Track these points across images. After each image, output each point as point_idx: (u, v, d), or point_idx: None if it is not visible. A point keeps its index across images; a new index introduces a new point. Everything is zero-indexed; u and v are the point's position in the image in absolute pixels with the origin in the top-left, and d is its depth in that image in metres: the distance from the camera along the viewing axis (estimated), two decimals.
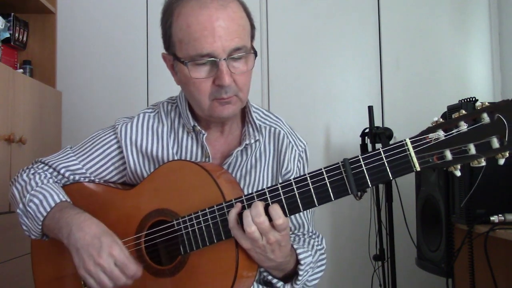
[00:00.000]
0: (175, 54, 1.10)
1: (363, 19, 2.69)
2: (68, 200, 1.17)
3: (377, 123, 2.39)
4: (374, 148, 2.26)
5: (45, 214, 1.12)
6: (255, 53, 1.11)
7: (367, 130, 2.29)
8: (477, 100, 1.71)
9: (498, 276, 1.64)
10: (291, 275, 1.10)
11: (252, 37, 1.14)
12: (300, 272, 1.08)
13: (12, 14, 2.29)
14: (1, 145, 1.83)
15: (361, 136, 2.30)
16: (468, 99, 1.72)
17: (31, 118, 2.09)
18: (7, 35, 2.23)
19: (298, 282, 1.09)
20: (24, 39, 2.41)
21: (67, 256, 1.18)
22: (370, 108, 2.29)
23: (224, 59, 1.04)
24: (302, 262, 1.08)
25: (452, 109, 1.81)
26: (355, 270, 2.58)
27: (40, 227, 1.14)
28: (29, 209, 1.13)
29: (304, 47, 2.68)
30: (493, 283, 1.64)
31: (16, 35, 2.33)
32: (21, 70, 2.28)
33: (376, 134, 2.23)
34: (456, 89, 2.63)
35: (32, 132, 2.08)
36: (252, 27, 1.13)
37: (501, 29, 2.69)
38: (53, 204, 1.13)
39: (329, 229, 2.62)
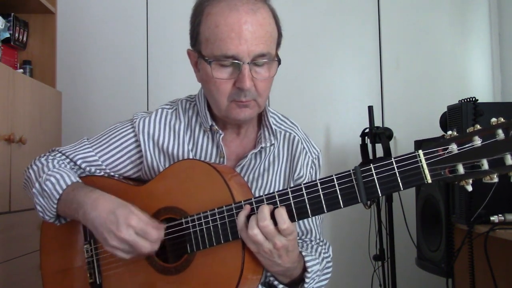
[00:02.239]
0: (200, 52, 1.11)
1: (363, 19, 2.69)
2: (81, 182, 1.18)
3: (377, 123, 2.39)
4: (374, 148, 2.27)
5: (61, 192, 1.13)
6: (279, 61, 1.12)
7: (367, 130, 2.28)
8: (477, 100, 1.71)
9: (498, 276, 1.64)
10: (297, 282, 1.10)
11: (278, 44, 1.14)
12: (307, 280, 1.08)
13: (12, 14, 2.29)
14: (1, 145, 1.83)
15: (361, 136, 2.30)
16: (468, 99, 1.72)
17: (31, 118, 2.09)
18: (7, 35, 2.23)
19: None
20: (24, 39, 2.41)
21: (75, 247, 1.20)
22: (370, 108, 2.29)
23: (248, 63, 1.05)
24: (309, 270, 1.08)
25: (452, 109, 1.81)
26: (355, 270, 2.58)
27: (55, 206, 1.14)
28: (45, 187, 1.14)
29: (304, 47, 2.68)
30: (493, 283, 1.64)
31: (16, 35, 2.33)
32: (21, 70, 2.28)
33: (376, 134, 2.23)
34: (456, 89, 2.64)
35: (32, 132, 2.08)
36: (280, 35, 1.14)
37: (501, 29, 2.69)
38: (69, 183, 1.14)
39: (329, 229, 2.62)
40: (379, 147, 2.22)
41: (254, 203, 1.00)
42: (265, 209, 0.96)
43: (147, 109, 2.39)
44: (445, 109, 1.86)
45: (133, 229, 1.02)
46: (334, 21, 2.69)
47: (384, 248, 2.22)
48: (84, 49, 2.68)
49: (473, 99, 1.71)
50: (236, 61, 1.05)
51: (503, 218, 1.64)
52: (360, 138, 2.30)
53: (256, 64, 1.07)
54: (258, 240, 0.96)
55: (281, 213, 0.96)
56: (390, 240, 2.17)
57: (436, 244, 1.96)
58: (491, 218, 1.65)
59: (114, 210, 1.04)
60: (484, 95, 2.64)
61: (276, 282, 1.10)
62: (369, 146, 2.28)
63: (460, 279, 1.89)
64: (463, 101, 1.73)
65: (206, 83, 1.13)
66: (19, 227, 1.90)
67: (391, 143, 2.21)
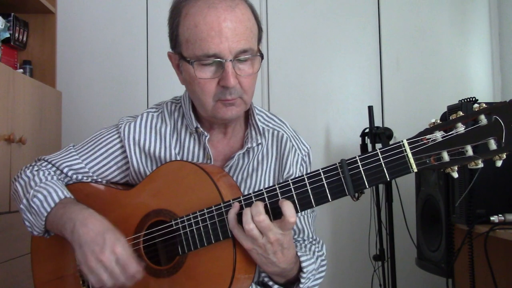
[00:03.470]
0: (181, 54, 1.10)
1: (363, 19, 2.69)
2: (72, 197, 1.17)
3: (377, 123, 2.39)
4: (374, 148, 2.27)
5: (49, 209, 1.12)
6: (262, 56, 1.11)
7: (367, 130, 2.29)
8: (477, 100, 1.71)
9: (498, 276, 1.64)
10: (293, 281, 1.10)
11: (259, 39, 1.13)
12: (302, 280, 1.08)
13: (12, 14, 2.29)
14: (1, 145, 1.83)
15: (361, 136, 2.30)
16: (468, 99, 1.72)
17: (31, 118, 2.09)
18: (7, 35, 2.23)
19: None
20: (24, 39, 2.41)
21: (67, 256, 1.18)
22: (370, 108, 2.29)
23: (230, 60, 1.04)
24: (305, 270, 1.08)
25: (452, 109, 1.81)
26: (355, 270, 2.58)
27: (43, 223, 1.13)
28: (33, 204, 1.13)
29: (304, 47, 2.68)
30: (493, 283, 1.64)
31: (16, 35, 2.33)
32: (21, 70, 2.27)
33: (376, 134, 2.23)
34: (456, 89, 2.64)
35: (32, 132, 2.08)
36: (260, 29, 1.13)
37: (501, 29, 2.69)
38: (57, 200, 1.13)
39: (329, 229, 2.62)
40: (379, 147, 2.22)
41: (242, 201, 1.00)
42: (259, 204, 0.96)
43: None
44: (445, 109, 1.86)
45: (115, 257, 1.01)
46: (334, 22, 2.69)
47: (384, 248, 2.22)
48: (84, 49, 2.68)
49: (473, 99, 1.71)
50: (219, 59, 1.04)
51: (503, 218, 1.64)
52: (360, 138, 2.30)
53: (239, 61, 1.06)
54: (254, 234, 0.95)
55: (289, 207, 0.95)
56: (390, 240, 2.17)
57: (436, 244, 1.96)
58: (491, 218, 1.65)
59: (104, 233, 1.03)
60: (484, 95, 2.64)
61: (271, 283, 1.10)
62: (369, 146, 2.28)
63: (460, 279, 1.89)
64: (463, 101, 1.73)
65: (190, 84, 1.11)
66: (19, 227, 1.89)
67: (391, 143, 2.20)
